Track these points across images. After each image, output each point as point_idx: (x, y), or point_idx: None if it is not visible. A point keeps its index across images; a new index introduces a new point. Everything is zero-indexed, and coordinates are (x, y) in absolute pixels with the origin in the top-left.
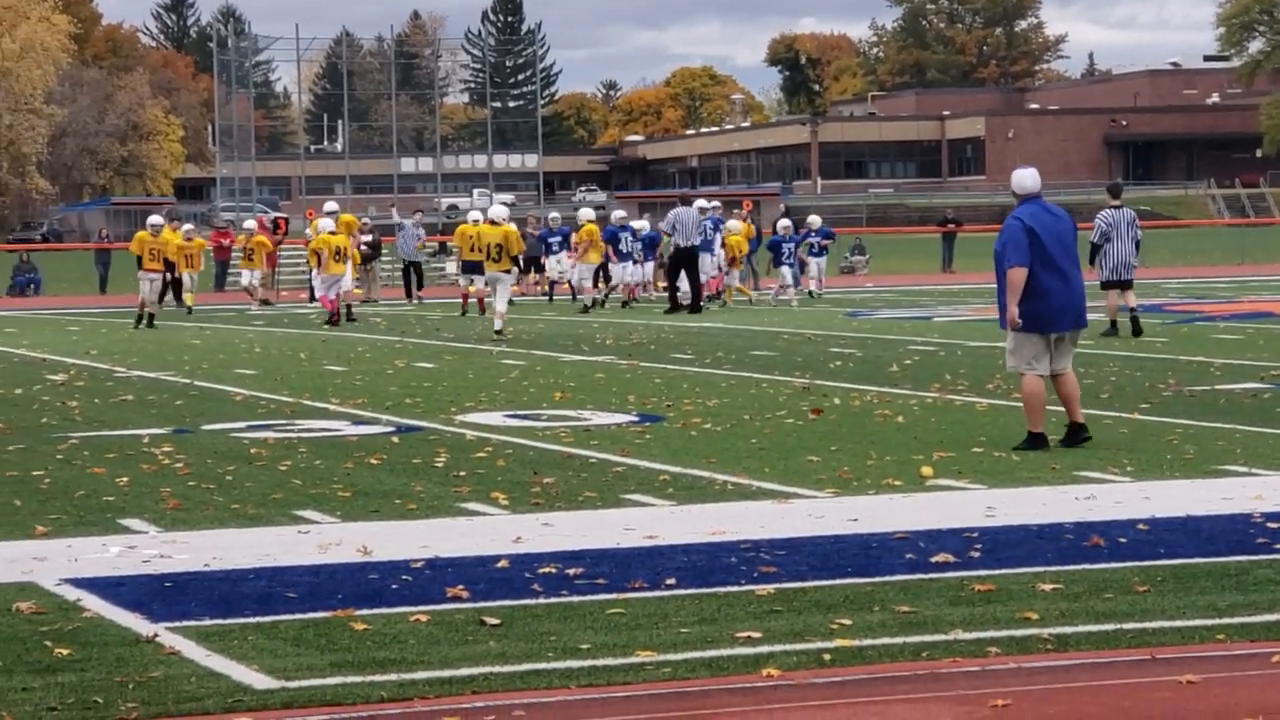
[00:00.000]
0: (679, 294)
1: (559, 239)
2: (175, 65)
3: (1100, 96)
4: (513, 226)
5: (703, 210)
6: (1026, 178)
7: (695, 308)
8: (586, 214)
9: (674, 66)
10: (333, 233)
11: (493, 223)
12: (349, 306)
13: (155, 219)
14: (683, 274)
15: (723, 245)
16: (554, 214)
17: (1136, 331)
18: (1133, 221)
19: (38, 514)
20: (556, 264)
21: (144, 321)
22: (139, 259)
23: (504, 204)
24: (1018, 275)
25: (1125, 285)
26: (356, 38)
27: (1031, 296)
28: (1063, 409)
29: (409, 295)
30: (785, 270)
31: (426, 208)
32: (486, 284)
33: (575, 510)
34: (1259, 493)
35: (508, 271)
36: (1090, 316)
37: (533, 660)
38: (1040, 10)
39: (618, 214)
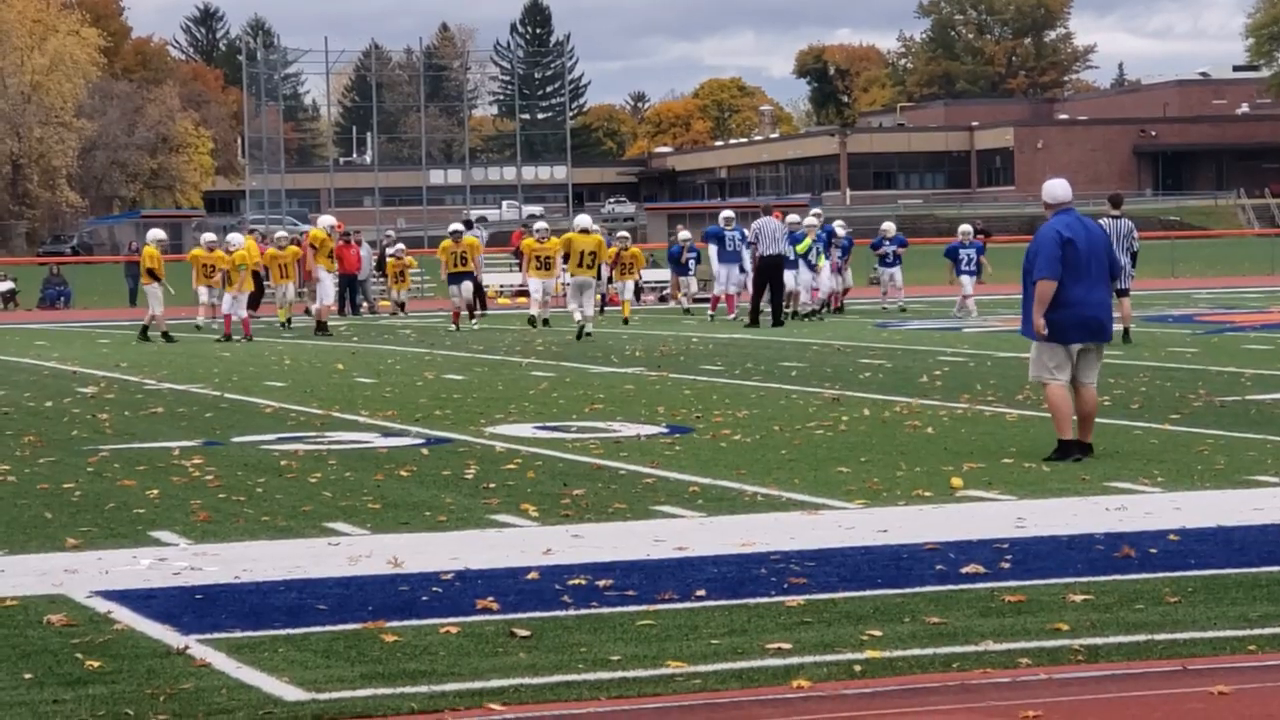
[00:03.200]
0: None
1: (694, 255)
2: (205, 78)
3: (1129, 107)
4: (601, 236)
5: (794, 225)
6: (1058, 188)
7: (777, 321)
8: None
9: (708, 78)
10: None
11: (584, 232)
12: (322, 321)
13: (154, 233)
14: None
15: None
16: (685, 233)
17: (1125, 339)
18: (1129, 233)
19: (68, 526)
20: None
21: (147, 335)
22: (151, 271)
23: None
24: (1046, 288)
25: (1119, 294)
26: (385, 50)
27: (1055, 306)
28: (1100, 424)
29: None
30: (967, 279)
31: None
32: (576, 289)
33: (605, 522)
34: None
35: (596, 278)
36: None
37: (563, 672)
38: (1070, 20)
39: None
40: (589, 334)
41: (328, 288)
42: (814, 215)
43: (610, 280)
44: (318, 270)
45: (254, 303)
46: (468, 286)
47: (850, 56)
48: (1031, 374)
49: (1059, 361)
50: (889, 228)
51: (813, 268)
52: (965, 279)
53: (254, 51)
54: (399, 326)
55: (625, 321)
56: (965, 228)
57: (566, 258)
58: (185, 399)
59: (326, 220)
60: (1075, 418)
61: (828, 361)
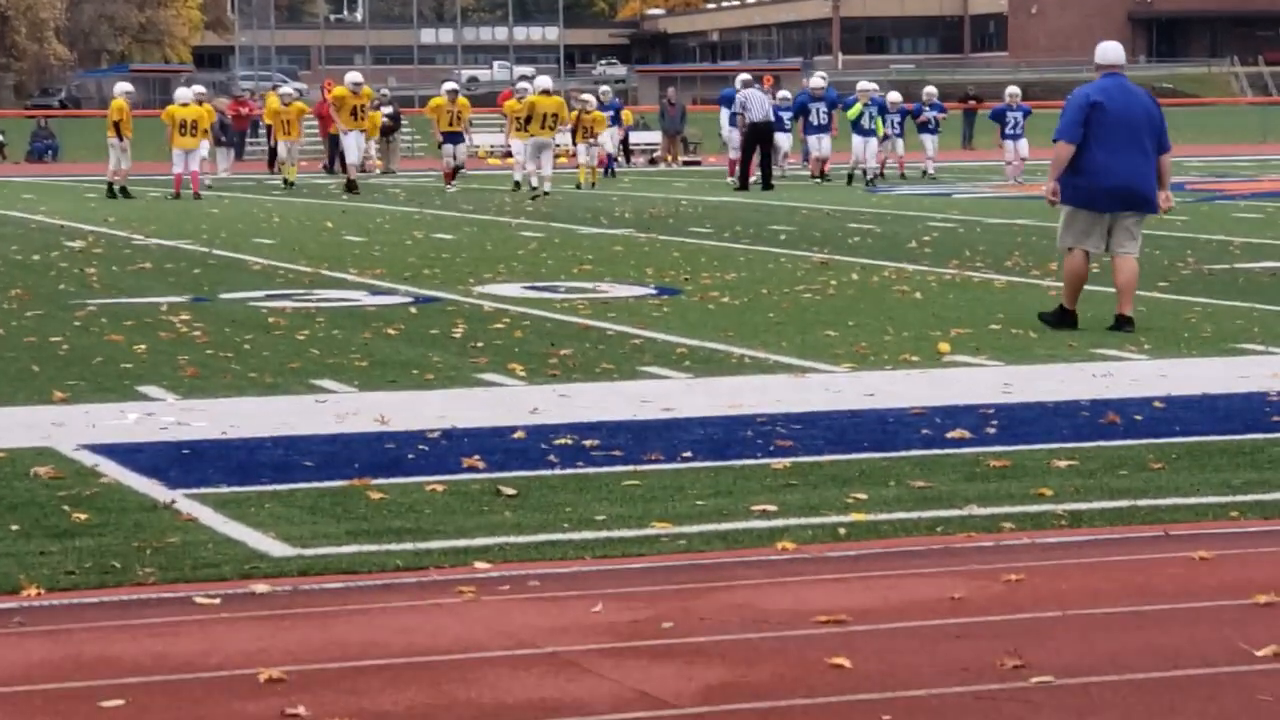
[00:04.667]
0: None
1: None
2: None
3: None
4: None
5: (864, 91)
6: (1109, 50)
7: (767, 184)
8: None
9: None
10: (185, 104)
11: (546, 93)
12: (351, 179)
13: (120, 86)
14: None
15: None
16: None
17: None
18: None
19: (56, 380)
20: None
21: (117, 192)
22: (116, 124)
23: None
24: (1062, 150)
25: None
26: None
27: (1083, 172)
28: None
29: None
30: (1010, 143)
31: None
32: (535, 149)
33: (592, 382)
34: (1275, 371)
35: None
36: None
37: (548, 531)
38: None
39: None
40: (546, 193)
41: (351, 146)
42: (865, 83)
43: (573, 143)
44: (341, 128)
45: (270, 161)
46: (462, 150)
47: None
48: (1059, 241)
49: (1085, 228)
50: (932, 91)
51: (868, 133)
52: (1009, 143)
53: None
54: (389, 185)
55: (580, 186)
56: (1013, 89)
57: (529, 120)
58: (173, 255)
59: (353, 77)
60: (1114, 289)
61: (816, 225)
